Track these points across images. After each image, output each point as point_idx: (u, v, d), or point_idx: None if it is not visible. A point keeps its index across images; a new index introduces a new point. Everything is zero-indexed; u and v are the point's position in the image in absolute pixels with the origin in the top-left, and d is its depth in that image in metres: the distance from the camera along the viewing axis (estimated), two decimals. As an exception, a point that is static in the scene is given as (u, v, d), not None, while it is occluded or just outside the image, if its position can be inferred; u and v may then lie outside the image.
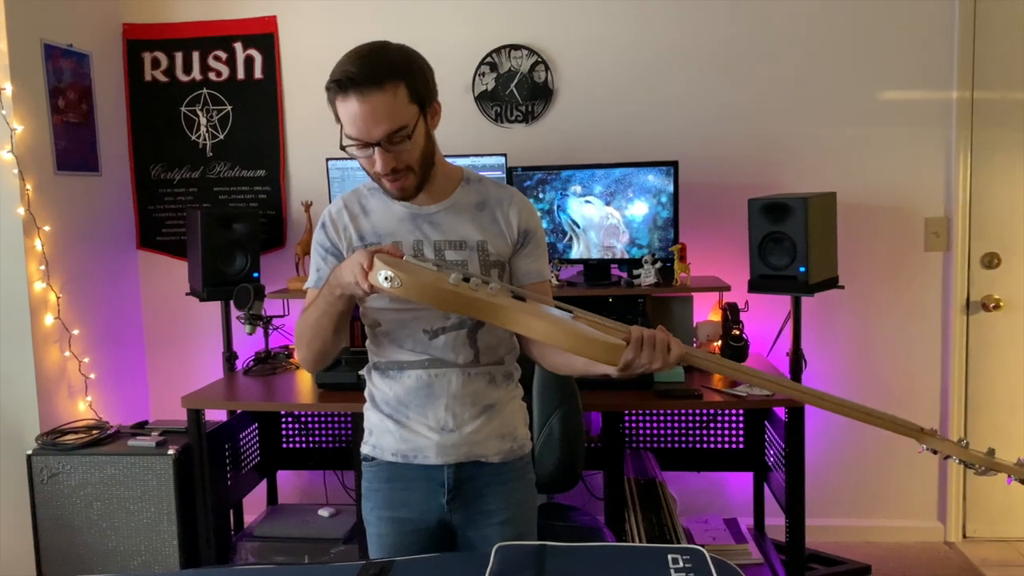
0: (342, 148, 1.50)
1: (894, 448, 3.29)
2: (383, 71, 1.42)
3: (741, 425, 3.23)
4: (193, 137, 3.47)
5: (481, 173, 1.71)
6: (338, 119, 1.48)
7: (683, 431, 3.28)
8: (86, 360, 3.15)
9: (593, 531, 2.49)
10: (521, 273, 1.64)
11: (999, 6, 3.12)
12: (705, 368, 1.47)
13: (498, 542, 1.41)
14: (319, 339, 1.55)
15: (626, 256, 3.05)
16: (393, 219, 1.60)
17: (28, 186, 2.90)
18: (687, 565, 1.31)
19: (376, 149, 1.46)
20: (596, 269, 3.10)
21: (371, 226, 1.61)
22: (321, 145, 3.34)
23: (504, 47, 3.30)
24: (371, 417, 1.68)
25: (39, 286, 2.95)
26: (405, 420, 1.61)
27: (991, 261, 3.22)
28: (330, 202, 3.12)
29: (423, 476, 1.61)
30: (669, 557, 1.33)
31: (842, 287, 2.95)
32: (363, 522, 1.73)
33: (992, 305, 3.21)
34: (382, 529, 1.65)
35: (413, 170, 1.50)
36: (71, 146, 3.14)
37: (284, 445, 3.41)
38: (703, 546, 1.39)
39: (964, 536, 3.32)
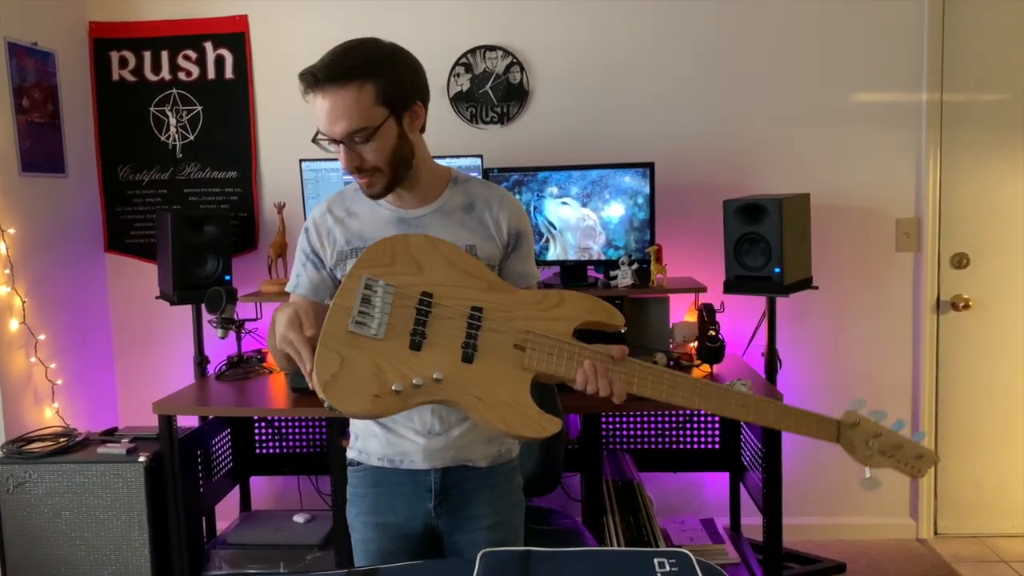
0: (314, 140, 1.48)
1: (867, 446, 3.33)
2: (349, 69, 1.41)
3: (717, 426, 3.24)
4: (162, 138, 3.41)
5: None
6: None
7: (660, 432, 3.28)
8: (53, 366, 3.07)
9: (574, 534, 2.49)
10: (512, 276, 1.62)
11: (967, 10, 3.17)
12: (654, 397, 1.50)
13: (485, 547, 1.40)
14: (286, 364, 1.51)
15: (603, 257, 3.05)
16: (379, 223, 1.57)
17: (-8, 188, 2.83)
18: (673, 569, 1.30)
19: (341, 147, 1.45)
20: (573, 270, 3.10)
21: (356, 230, 1.58)
22: (294, 146, 3.29)
23: (479, 48, 3.28)
24: (357, 422, 1.65)
25: (3, 290, 2.87)
26: (391, 424, 1.59)
27: (960, 261, 3.27)
28: (304, 204, 3.11)
29: (409, 481, 1.59)
30: (655, 561, 1.32)
31: (816, 287, 2.98)
32: (341, 528, 1.70)
33: (962, 305, 3.26)
34: (368, 535, 1.62)
35: (381, 170, 1.48)
36: (36, 147, 3.07)
37: (257, 451, 3.36)
38: (681, 547, 1.39)
39: (936, 533, 3.36)
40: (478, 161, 3.00)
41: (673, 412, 3.24)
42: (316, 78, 1.40)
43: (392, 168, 1.49)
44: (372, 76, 1.42)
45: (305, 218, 3.08)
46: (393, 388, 1.38)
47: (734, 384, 2.64)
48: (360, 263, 1.46)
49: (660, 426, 3.28)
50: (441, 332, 1.44)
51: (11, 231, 2.90)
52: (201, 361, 3.15)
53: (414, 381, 1.39)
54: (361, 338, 1.42)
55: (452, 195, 1.60)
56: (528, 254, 1.65)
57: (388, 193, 1.53)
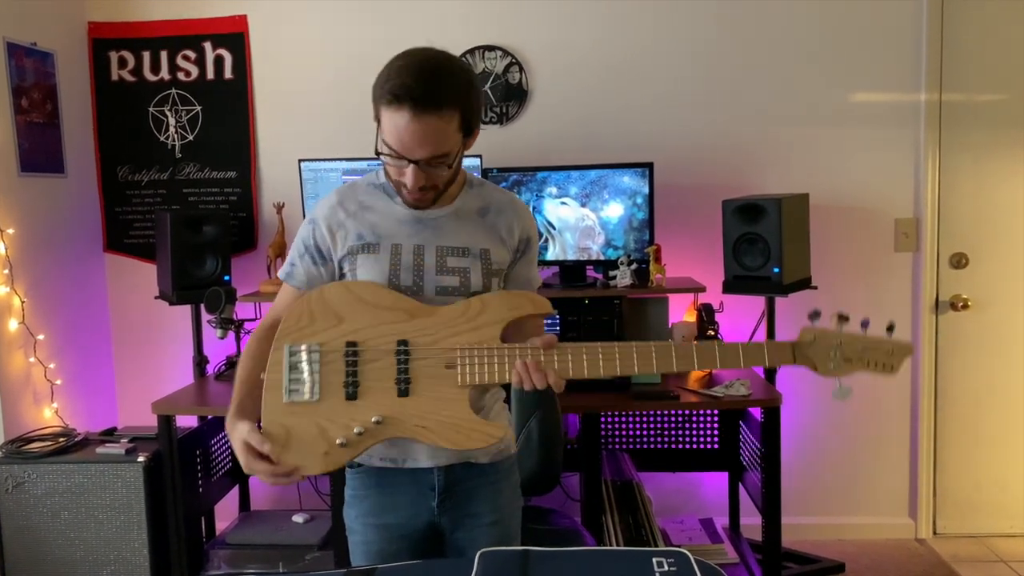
0: (377, 154, 1.47)
1: (865, 446, 3.34)
2: (444, 97, 1.39)
3: (716, 425, 3.24)
4: (161, 138, 3.41)
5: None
6: (377, 120, 1.45)
7: (659, 432, 3.29)
8: (52, 366, 3.07)
9: (573, 534, 2.49)
10: (518, 280, 1.64)
11: (966, 10, 3.18)
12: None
13: (486, 544, 1.40)
14: None
15: (602, 257, 3.05)
16: (394, 220, 1.57)
17: (-9, 188, 2.83)
18: (672, 568, 1.30)
19: (412, 168, 1.44)
20: (572, 270, 3.10)
21: (370, 224, 1.57)
22: (293, 146, 3.30)
23: (478, 48, 3.28)
24: None
25: (2, 290, 2.88)
26: None
27: (959, 261, 3.27)
28: (303, 204, 3.10)
29: (411, 480, 1.59)
30: (654, 560, 1.33)
31: (815, 287, 2.98)
32: (340, 528, 1.70)
33: (960, 305, 3.26)
34: (368, 536, 1.62)
35: (436, 188, 1.51)
36: (35, 147, 3.07)
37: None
38: (680, 547, 1.39)
39: (935, 532, 3.36)
40: (477, 161, 3.00)
41: (672, 412, 3.24)
42: (414, 99, 1.37)
43: (447, 185, 1.52)
44: (460, 104, 1.42)
45: (305, 218, 3.10)
46: (338, 443, 1.45)
47: (732, 384, 2.65)
48: (280, 333, 1.51)
49: (659, 426, 3.28)
50: (373, 375, 1.49)
51: (10, 231, 2.90)
52: (200, 361, 3.15)
53: (355, 430, 1.45)
54: (298, 405, 1.49)
55: (467, 198, 1.61)
56: (533, 259, 1.67)
57: (432, 206, 1.55)
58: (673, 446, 3.28)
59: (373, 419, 1.46)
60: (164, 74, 3.39)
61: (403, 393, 1.48)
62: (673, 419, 3.27)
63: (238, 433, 1.45)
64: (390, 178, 1.53)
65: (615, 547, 2.61)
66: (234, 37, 3.35)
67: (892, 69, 3.23)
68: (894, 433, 3.35)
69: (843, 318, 1.49)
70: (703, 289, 2.98)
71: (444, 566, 1.50)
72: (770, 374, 2.95)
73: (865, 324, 1.49)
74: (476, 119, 1.49)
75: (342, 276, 1.59)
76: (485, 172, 3.03)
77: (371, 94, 1.45)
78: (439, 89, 1.39)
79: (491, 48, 3.27)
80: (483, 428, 1.48)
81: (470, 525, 1.60)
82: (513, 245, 1.62)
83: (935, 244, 3.26)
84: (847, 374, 1.50)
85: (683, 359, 1.48)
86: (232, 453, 3.18)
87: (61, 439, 2.80)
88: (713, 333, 2.94)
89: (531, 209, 3.01)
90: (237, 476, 3.27)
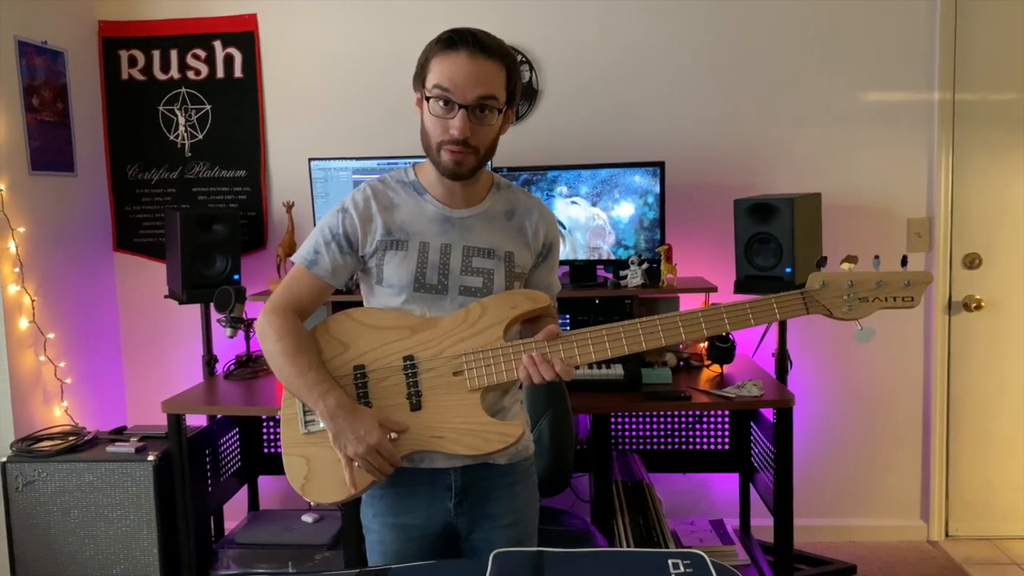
0: (426, 99, 1.49)
1: (877, 447, 3.31)
2: (496, 46, 1.49)
3: (727, 426, 3.22)
4: (171, 137, 3.41)
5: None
6: (421, 77, 1.50)
7: (669, 432, 3.27)
8: (62, 365, 3.08)
9: (585, 535, 2.48)
10: (537, 286, 1.65)
11: (980, 8, 3.15)
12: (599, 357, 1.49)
13: (503, 545, 1.40)
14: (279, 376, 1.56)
15: (612, 257, 3.04)
16: (423, 219, 1.57)
17: (1, 186, 2.83)
18: (688, 570, 1.29)
19: (461, 112, 1.45)
20: (582, 270, 3.08)
21: (399, 222, 1.57)
22: (303, 145, 3.30)
23: (488, 47, 3.27)
24: None
25: (13, 289, 2.88)
26: None
27: (972, 261, 3.24)
28: (312, 203, 3.10)
29: (428, 481, 1.58)
30: (669, 562, 1.31)
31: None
32: (349, 528, 1.71)
33: (974, 305, 3.23)
34: (385, 536, 1.62)
35: (479, 152, 1.51)
36: (46, 145, 3.07)
37: (265, 450, 3.35)
38: (691, 548, 1.38)
39: (947, 535, 3.34)
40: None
41: (683, 413, 3.22)
42: (469, 42, 1.45)
43: (485, 154, 1.53)
44: (508, 63, 1.50)
45: (315, 217, 3.10)
46: (358, 466, 1.47)
47: (744, 385, 2.63)
48: None
49: (669, 427, 3.26)
50: (384, 394, 1.52)
51: (21, 230, 2.90)
52: (210, 360, 3.15)
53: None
54: (316, 435, 1.52)
55: (495, 200, 1.62)
56: (555, 265, 1.68)
57: (469, 177, 1.54)
58: (684, 447, 3.27)
59: (390, 436, 1.47)
60: (174, 73, 3.38)
61: (415, 407, 1.50)
62: (684, 420, 3.25)
63: (369, 417, 1.46)
64: (430, 146, 1.52)
65: (630, 549, 2.60)
66: (244, 36, 3.35)
67: (905, 68, 3.20)
68: (906, 434, 3.33)
69: (851, 259, 1.45)
70: (715, 289, 2.96)
71: (458, 566, 1.49)
72: (781, 375, 2.93)
73: (877, 261, 1.45)
74: (518, 90, 1.55)
75: (367, 273, 1.59)
76: (496, 171, 3.01)
77: (396, 83, 1.54)
78: (491, 40, 1.49)
79: (501, 47, 3.26)
80: (499, 429, 1.48)
81: (487, 526, 1.60)
82: (537, 249, 1.63)
83: (948, 244, 3.24)
84: (866, 315, 1.44)
85: (691, 327, 1.46)
86: (241, 452, 3.18)
87: (71, 438, 2.80)
88: (724, 333, 2.92)
89: (542, 208, 3.02)
90: (246, 476, 3.27)
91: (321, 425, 1.49)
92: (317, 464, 1.51)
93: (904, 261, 1.43)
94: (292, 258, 1.64)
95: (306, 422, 1.53)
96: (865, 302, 1.44)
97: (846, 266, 1.45)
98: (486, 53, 1.46)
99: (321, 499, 1.51)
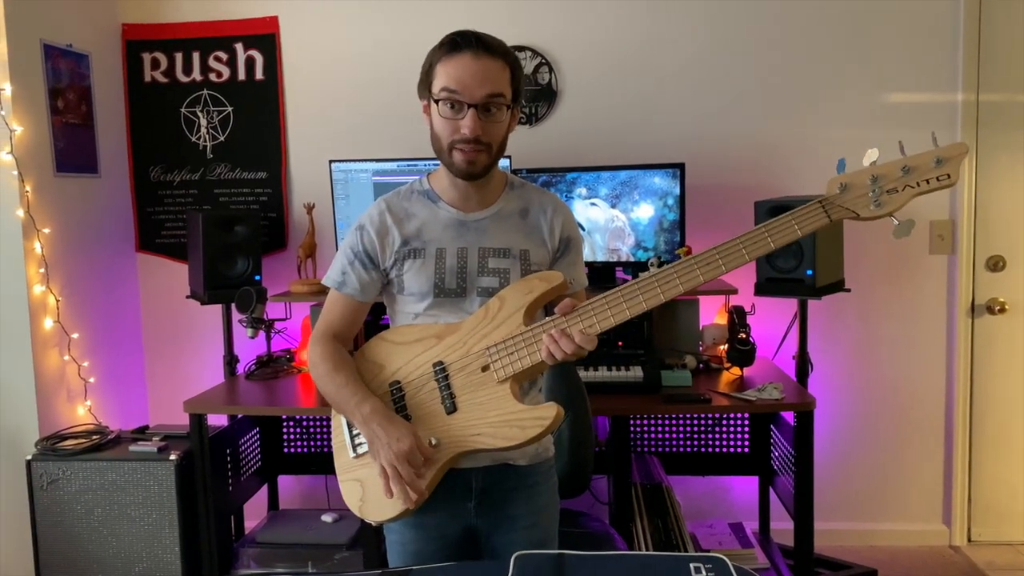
0: (434, 101, 1.52)
1: (899, 450, 3.29)
2: (500, 47, 1.53)
3: (746, 429, 3.21)
4: (193, 138, 3.44)
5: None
6: (427, 83, 1.53)
7: (688, 435, 3.26)
8: (85, 364, 3.11)
9: (604, 537, 2.47)
10: None
11: (1004, 8, 3.12)
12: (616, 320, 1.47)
13: (523, 547, 1.40)
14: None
15: (632, 259, 3.03)
16: (438, 225, 1.59)
17: (27, 188, 2.86)
18: (710, 575, 1.29)
19: (470, 112, 1.48)
20: (601, 272, 3.08)
21: (415, 230, 1.59)
22: (323, 147, 3.32)
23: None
24: None
25: (38, 289, 2.91)
26: None
27: (996, 264, 3.21)
28: (333, 204, 3.11)
29: (449, 481, 1.59)
30: (691, 566, 1.31)
31: (848, 290, 2.94)
32: (369, 528, 1.73)
33: (997, 308, 3.20)
34: (406, 536, 1.63)
35: (490, 149, 1.52)
36: (70, 147, 3.11)
37: (286, 450, 3.37)
38: (710, 551, 1.37)
39: (969, 540, 3.31)
40: (506, 162, 2.99)
41: (702, 415, 3.20)
42: (472, 43, 1.49)
43: (496, 151, 1.55)
44: (512, 62, 1.55)
45: (335, 218, 3.12)
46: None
47: (765, 388, 2.61)
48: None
49: (689, 429, 3.25)
50: (421, 404, 1.54)
51: (46, 231, 2.94)
52: (231, 360, 3.17)
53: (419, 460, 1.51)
54: (364, 456, 1.57)
55: (509, 200, 1.63)
56: (576, 259, 1.68)
57: (483, 175, 1.56)
58: (703, 449, 3.25)
59: (430, 442, 1.50)
60: (196, 75, 3.41)
61: (451, 410, 1.52)
62: (703, 422, 3.23)
63: (403, 425, 1.50)
64: (441, 149, 1.54)
65: (651, 552, 2.59)
66: (265, 38, 3.37)
67: (928, 69, 3.17)
68: (928, 438, 3.30)
69: (870, 154, 1.30)
70: (735, 291, 2.95)
71: (480, 568, 1.49)
72: (802, 377, 2.92)
73: (901, 147, 1.30)
74: (521, 89, 1.57)
75: (389, 283, 1.62)
76: (514, 173, 3.02)
77: (416, 84, 1.56)
78: (493, 40, 1.53)
79: (521, 48, 3.26)
80: (534, 414, 1.48)
81: (507, 528, 1.60)
82: (554, 245, 1.63)
83: (971, 246, 3.21)
84: (899, 207, 1.29)
85: (708, 267, 1.39)
86: (261, 452, 3.20)
87: (94, 437, 2.83)
88: (744, 335, 2.90)
89: (561, 210, 3.02)
90: (266, 475, 3.29)
91: (367, 447, 1.54)
92: (369, 484, 1.54)
93: (934, 139, 1.26)
94: (323, 281, 1.69)
95: (354, 446, 1.58)
96: (895, 193, 1.29)
97: (870, 156, 1.28)
98: (490, 52, 1.49)
99: (377, 517, 1.54)
